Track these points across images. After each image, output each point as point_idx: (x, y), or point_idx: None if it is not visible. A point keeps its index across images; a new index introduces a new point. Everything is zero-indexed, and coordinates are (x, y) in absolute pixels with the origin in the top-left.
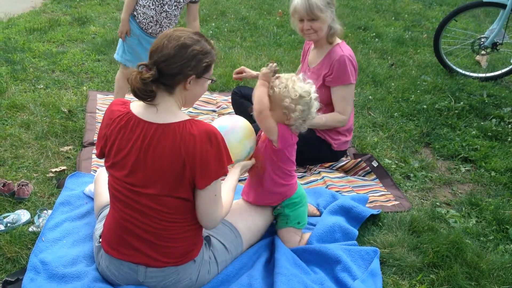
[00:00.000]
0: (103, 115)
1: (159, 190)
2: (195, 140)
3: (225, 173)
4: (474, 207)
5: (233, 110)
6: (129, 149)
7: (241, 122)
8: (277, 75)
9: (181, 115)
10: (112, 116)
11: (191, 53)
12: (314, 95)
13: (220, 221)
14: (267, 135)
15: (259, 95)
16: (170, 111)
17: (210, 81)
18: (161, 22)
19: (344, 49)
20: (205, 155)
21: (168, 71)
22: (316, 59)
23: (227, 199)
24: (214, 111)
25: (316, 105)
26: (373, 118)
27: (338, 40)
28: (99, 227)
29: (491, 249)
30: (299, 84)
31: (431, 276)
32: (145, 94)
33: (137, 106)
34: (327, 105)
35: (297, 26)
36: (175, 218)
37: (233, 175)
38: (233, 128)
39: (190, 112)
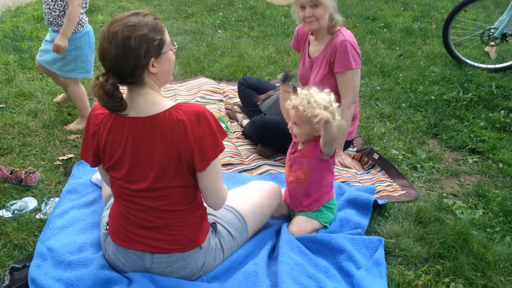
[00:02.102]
0: None
1: (158, 182)
2: (185, 125)
3: (222, 149)
4: (481, 199)
5: (239, 100)
6: (122, 149)
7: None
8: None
9: (164, 103)
10: (97, 121)
11: (136, 41)
12: (335, 103)
13: (226, 199)
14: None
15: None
16: (151, 102)
17: (172, 50)
18: (44, 10)
19: (345, 34)
20: (198, 136)
21: (125, 70)
22: (317, 49)
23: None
24: (221, 100)
25: (339, 111)
26: (381, 108)
27: (338, 27)
28: (106, 214)
29: (497, 240)
30: (319, 96)
31: (437, 266)
32: (117, 103)
33: None
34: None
35: (298, 14)
36: (176, 209)
37: None
38: None
39: (197, 101)
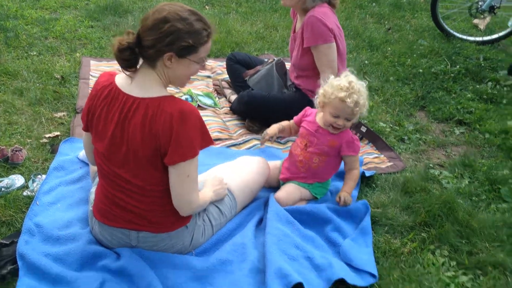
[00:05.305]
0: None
1: (134, 167)
2: (167, 118)
3: (194, 155)
4: (467, 168)
5: (227, 76)
6: (108, 121)
7: None
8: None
9: (160, 90)
10: (97, 87)
11: (168, 29)
12: (357, 84)
13: (196, 208)
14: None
15: None
16: (149, 85)
17: (198, 64)
18: None
19: (316, 10)
20: (176, 134)
21: (144, 42)
22: (299, 25)
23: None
24: (209, 76)
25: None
26: (369, 82)
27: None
28: (94, 191)
29: (483, 208)
30: (360, 84)
31: (422, 234)
32: (120, 60)
33: (121, 78)
34: (305, 70)
35: None
36: (155, 193)
37: (208, 194)
38: None
39: None
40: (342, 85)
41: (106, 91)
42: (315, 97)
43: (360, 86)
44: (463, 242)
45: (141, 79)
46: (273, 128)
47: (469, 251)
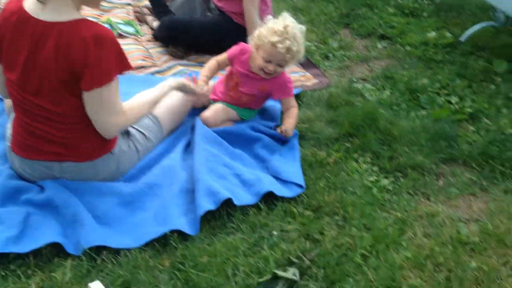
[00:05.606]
0: None
1: (49, 93)
2: (81, 42)
3: (110, 80)
4: (389, 80)
5: (148, 2)
6: (20, 48)
7: None
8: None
9: (73, 14)
10: (4, 14)
11: None
12: (293, 29)
13: (117, 129)
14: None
15: None
16: (62, 9)
17: None
18: None
19: None
20: (91, 59)
21: None
22: None
23: (137, 108)
24: (129, 4)
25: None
26: (294, 3)
27: None
28: (10, 126)
29: (403, 116)
30: (297, 28)
31: (346, 144)
32: None
33: (30, 4)
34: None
35: None
36: (73, 119)
37: (161, 88)
38: None
39: (103, 6)
40: (276, 29)
41: (15, 17)
42: (250, 37)
43: (297, 31)
44: (385, 148)
45: (52, 3)
46: (204, 84)
47: (390, 156)
